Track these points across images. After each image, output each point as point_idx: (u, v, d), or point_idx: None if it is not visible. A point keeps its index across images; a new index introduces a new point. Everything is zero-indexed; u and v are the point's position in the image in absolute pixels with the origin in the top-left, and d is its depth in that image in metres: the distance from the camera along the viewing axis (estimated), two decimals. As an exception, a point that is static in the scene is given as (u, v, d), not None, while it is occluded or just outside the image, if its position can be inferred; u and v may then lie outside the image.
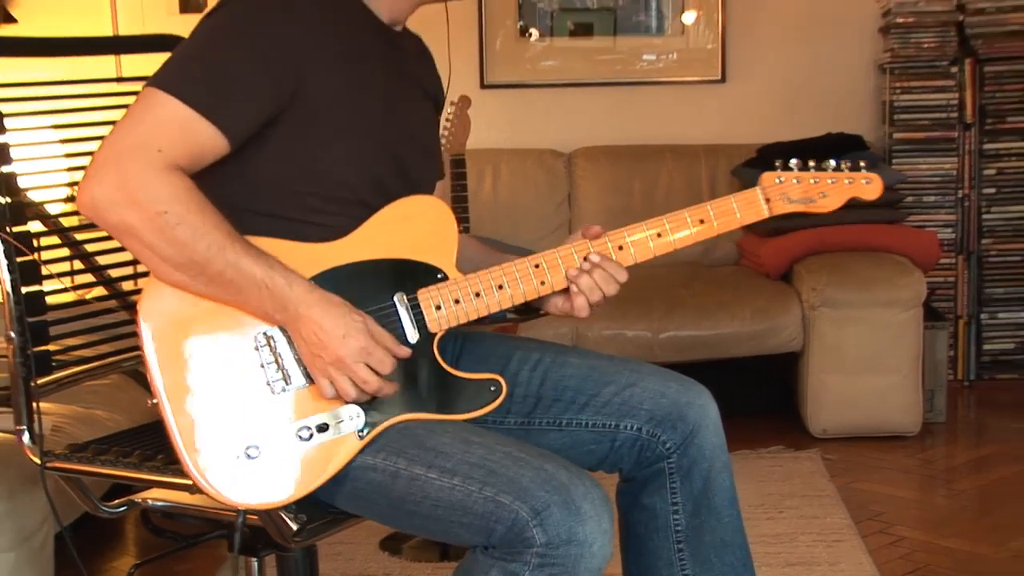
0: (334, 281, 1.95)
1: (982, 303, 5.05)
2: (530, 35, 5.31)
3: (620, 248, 2.04)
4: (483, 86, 5.27)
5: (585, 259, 2.02)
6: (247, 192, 1.97)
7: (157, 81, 1.88)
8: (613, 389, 2.12)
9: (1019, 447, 4.30)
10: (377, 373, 1.88)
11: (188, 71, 1.89)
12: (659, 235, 2.05)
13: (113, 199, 1.81)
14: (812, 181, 2.06)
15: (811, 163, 2.07)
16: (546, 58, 5.32)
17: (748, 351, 4.42)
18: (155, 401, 1.88)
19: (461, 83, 3.28)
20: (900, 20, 4.99)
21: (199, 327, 1.90)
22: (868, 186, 2.10)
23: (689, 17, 5.27)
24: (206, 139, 1.87)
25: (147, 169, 1.81)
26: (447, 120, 3.64)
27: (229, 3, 1.95)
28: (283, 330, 1.90)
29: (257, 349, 1.90)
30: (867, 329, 4.31)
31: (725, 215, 2.05)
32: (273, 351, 1.90)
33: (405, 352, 1.92)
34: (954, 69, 4.96)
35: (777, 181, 2.05)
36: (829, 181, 2.07)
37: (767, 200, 2.06)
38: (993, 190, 5.00)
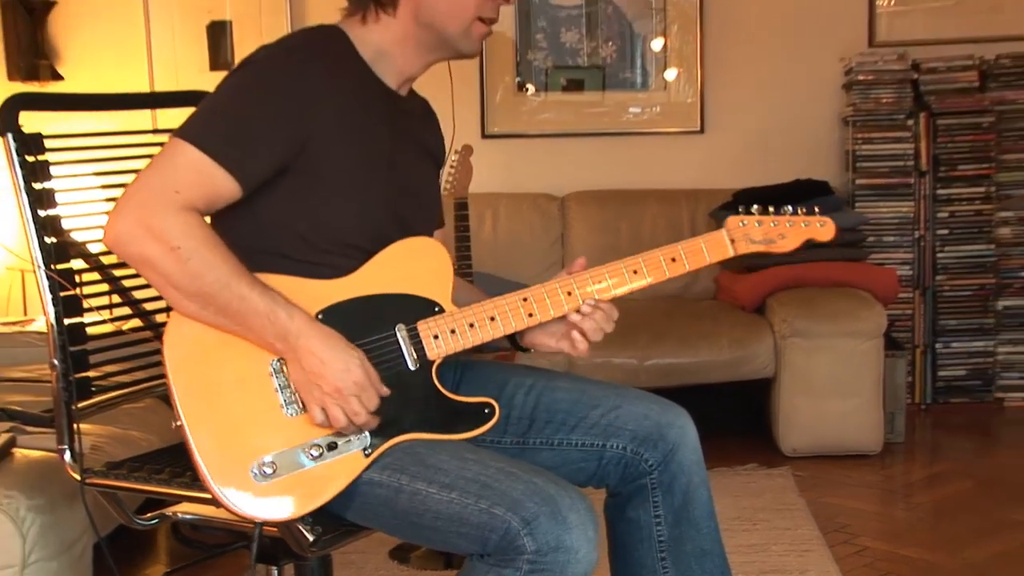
0: (341, 314, 1.96)
1: (937, 333, 5.05)
2: (527, 90, 5.33)
3: (599, 283, 2.06)
4: (484, 136, 5.29)
5: (584, 303, 2.04)
6: (257, 233, 1.99)
7: (181, 132, 1.90)
8: (600, 411, 2.12)
9: (971, 465, 4.29)
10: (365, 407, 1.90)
11: (208, 123, 1.91)
12: (635, 272, 2.07)
13: (134, 234, 1.83)
14: (772, 224, 2.10)
15: (770, 208, 2.11)
16: (541, 111, 5.34)
17: (725, 377, 4.41)
18: (179, 423, 1.89)
19: (464, 133, 3.30)
20: (861, 78, 5.01)
21: (218, 354, 1.91)
22: (822, 228, 2.12)
23: (671, 74, 5.29)
24: (221, 184, 1.89)
25: (166, 208, 1.83)
26: (451, 167, 3.66)
27: (249, 64, 1.97)
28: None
29: (272, 374, 1.91)
30: (833, 357, 4.31)
31: (694, 254, 2.09)
32: (288, 376, 1.91)
33: (385, 391, 1.92)
34: (910, 122, 4.97)
35: (741, 224, 2.10)
36: (787, 224, 2.11)
37: (732, 241, 2.10)
38: (946, 231, 5.01)
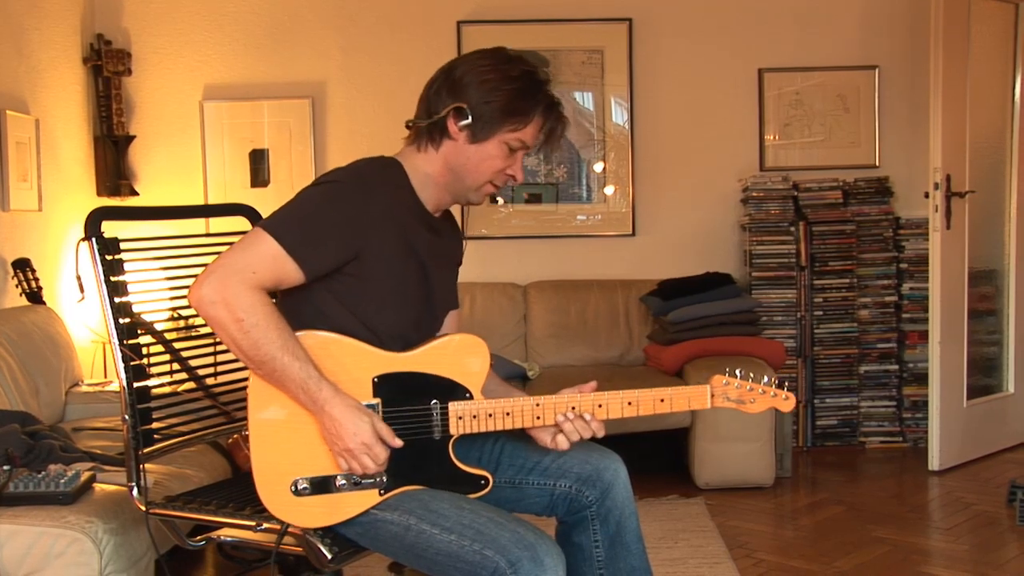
0: (392, 381, 1.95)
1: (815, 392, 5.06)
2: (498, 202, 5.36)
3: (600, 406, 2.01)
4: (465, 237, 5.26)
5: (572, 409, 2.00)
6: (319, 317, 1.97)
7: (265, 224, 1.89)
8: (551, 457, 2.12)
9: (841, 494, 4.28)
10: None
11: (288, 223, 1.89)
12: (630, 404, 2.02)
13: (213, 299, 1.81)
14: (748, 388, 2.02)
15: (751, 374, 2.00)
16: (509, 219, 5.36)
17: (653, 427, 4.39)
18: (247, 434, 1.89)
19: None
20: (755, 194, 5.07)
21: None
22: (785, 402, 2.04)
23: (609, 190, 5.34)
24: (289, 272, 1.88)
25: (241, 284, 1.82)
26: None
27: (330, 183, 1.95)
28: None
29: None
30: (736, 411, 4.28)
31: (679, 398, 2.02)
32: None
33: (398, 443, 1.90)
34: (792, 228, 5.02)
35: (723, 383, 2.02)
36: (760, 391, 2.02)
37: (712, 395, 2.02)
38: (821, 313, 5.04)
